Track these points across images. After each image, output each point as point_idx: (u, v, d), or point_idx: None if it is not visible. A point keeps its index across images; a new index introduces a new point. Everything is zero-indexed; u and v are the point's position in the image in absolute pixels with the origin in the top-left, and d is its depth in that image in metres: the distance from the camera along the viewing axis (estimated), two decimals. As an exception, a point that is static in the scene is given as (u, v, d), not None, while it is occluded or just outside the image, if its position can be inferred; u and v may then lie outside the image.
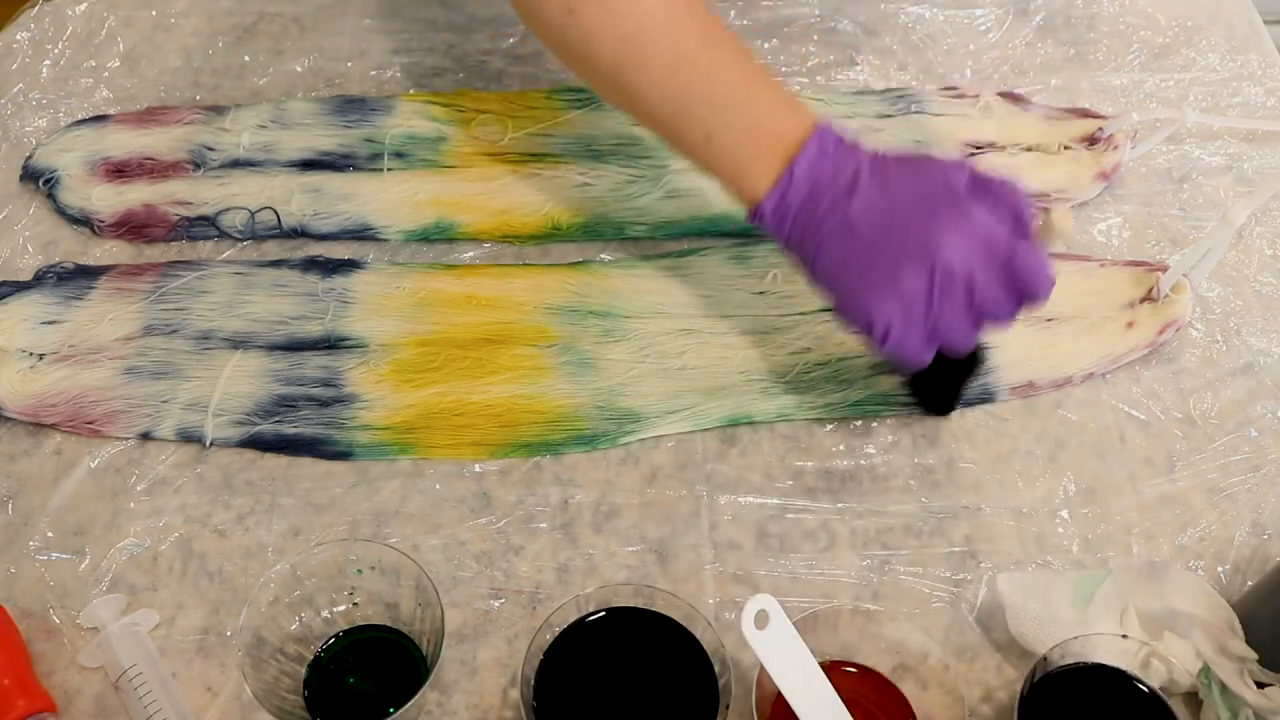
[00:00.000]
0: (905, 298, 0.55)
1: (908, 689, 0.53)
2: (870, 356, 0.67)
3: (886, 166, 0.57)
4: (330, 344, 0.68)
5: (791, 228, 0.59)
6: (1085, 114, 0.79)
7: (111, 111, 0.79)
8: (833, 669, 0.52)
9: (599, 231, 0.73)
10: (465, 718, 0.56)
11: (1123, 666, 0.52)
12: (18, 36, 0.84)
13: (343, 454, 0.64)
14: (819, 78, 0.82)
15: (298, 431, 0.64)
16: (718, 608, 0.59)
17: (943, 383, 0.64)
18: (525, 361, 0.67)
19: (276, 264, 0.72)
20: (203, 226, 0.73)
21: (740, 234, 0.73)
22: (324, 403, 0.65)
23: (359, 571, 0.55)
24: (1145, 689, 0.52)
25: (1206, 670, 0.54)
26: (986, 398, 0.66)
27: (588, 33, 0.61)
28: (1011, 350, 0.67)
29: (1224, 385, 0.68)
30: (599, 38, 0.61)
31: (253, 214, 0.74)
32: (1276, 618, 0.54)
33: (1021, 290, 0.55)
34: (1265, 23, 0.87)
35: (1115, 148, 0.76)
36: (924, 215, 0.55)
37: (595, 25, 0.61)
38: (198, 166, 0.76)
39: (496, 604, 0.59)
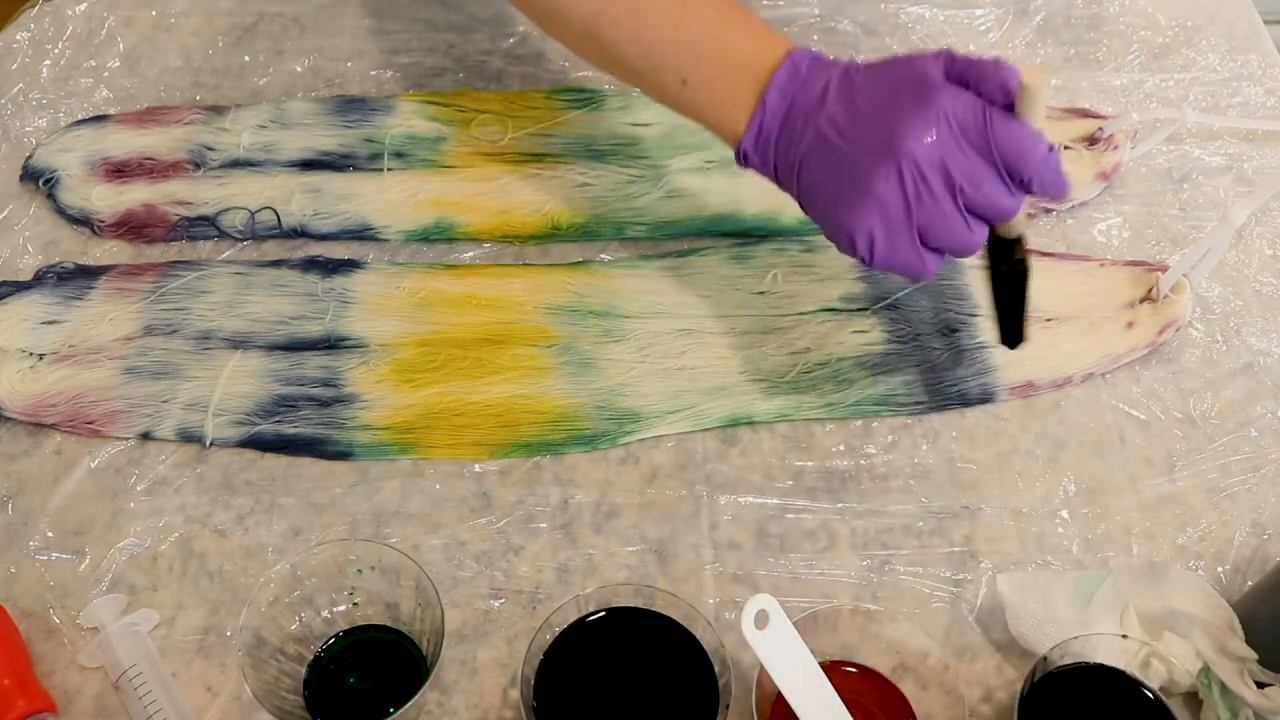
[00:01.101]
0: (881, 203, 0.52)
1: (908, 689, 0.53)
2: (868, 357, 0.67)
3: (857, 73, 0.54)
4: (330, 344, 0.68)
5: (775, 159, 0.56)
6: (1085, 114, 0.79)
7: (111, 111, 0.79)
8: (833, 669, 0.52)
9: (599, 231, 0.73)
10: (465, 718, 0.56)
11: (1123, 667, 0.52)
12: (18, 36, 0.84)
13: (343, 454, 0.64)
14: (819, 78, 0.82)
15: (298, 431, 0.64)
16: (718, 608, 0.59)
17: (1000, 306, 0.61)
18: (525, 361, 0.67)
19: (276, 264, 0.72)
20: (203, 226, 0.73)
21: (740, 234, 0.73)
22: (324, 403, 0.65)
23: (359, 571, 0.55)
24: (1145, 689, 0.52)
25: (1206, 670, 0.54)
26: (986, 398, 0.66)
27: None
28: (1012, 350, 0.67)
29: (1224, 385, 0.68)
30: None
31: (253, 214, 0.74)
32: (1276, 618, 0.54)
33: (1011, 167, 0.51)
34: (1265, 23, 0.87)
35: (1115, 148, 0.76)
36: (889, 112, 0.52)
37: None
38: (198, 166, 0.76)
39: (496, 604, 0.59)
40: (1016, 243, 0.57)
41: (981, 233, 0.53)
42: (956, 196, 0.51)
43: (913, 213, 0.52)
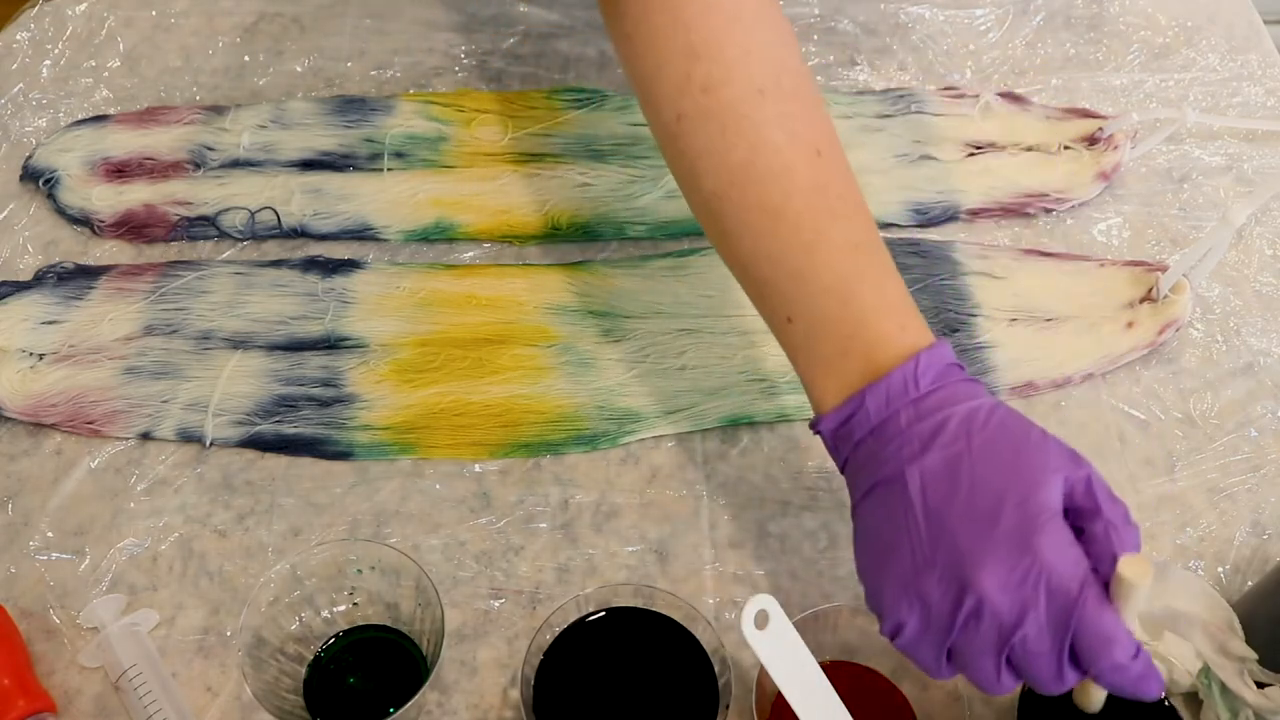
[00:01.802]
0: (925, 608, 0.44)
1: (908, 689, 0.53)
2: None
3: (980, 432, 0.45)
4: (330, 344, 0.68)
5: (848, 461, 0.49)
6: (1085, 114, 0.79)
7: (111, 111, 0.79)
8: (833, 669, 0.52)
9: (599, 231, 0.73)
10: (465, 718, 0.56)
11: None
12: (18, 36, 0.84)
13: (343, 454, 0.64)
14: (819, 78, 0.82)
15: (298, 431, 0.64)
16: (718, 608, 0.59)
17: None
18: (525, 361, 0.67)
19: (276, 264, 0.72)
20: (203, 226, 0.73)
21: (740, 234, 0.73)
22: (324, 403, 0.65)
23: (359, 571, 0.55)
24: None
25: (1206, 670, 0.54)
26: (986, 398, 0.66)
27: (693, 150, 0.53)
28: (1011, 350, 0.67)
29: (1224, 385, 0.68)
30: (703, 158, 0.52)
31: (253, 214, 0.74)
32: (1276, 618, 0.54)
33: (1080, 656, 0.43)
34: (1265, 23, 0.87)
35: (1115, 148, 0.76)
36: (983, 524, 0.43)
37: (702, 143, 0.52)
38: (198, 166, 0.76)
39: (496, 604, 0.59)
40: None
41: (1012, 684, 0.44)
42: (1001, 649, 0.43)
43: (953, 634, 0.44)
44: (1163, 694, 0.45)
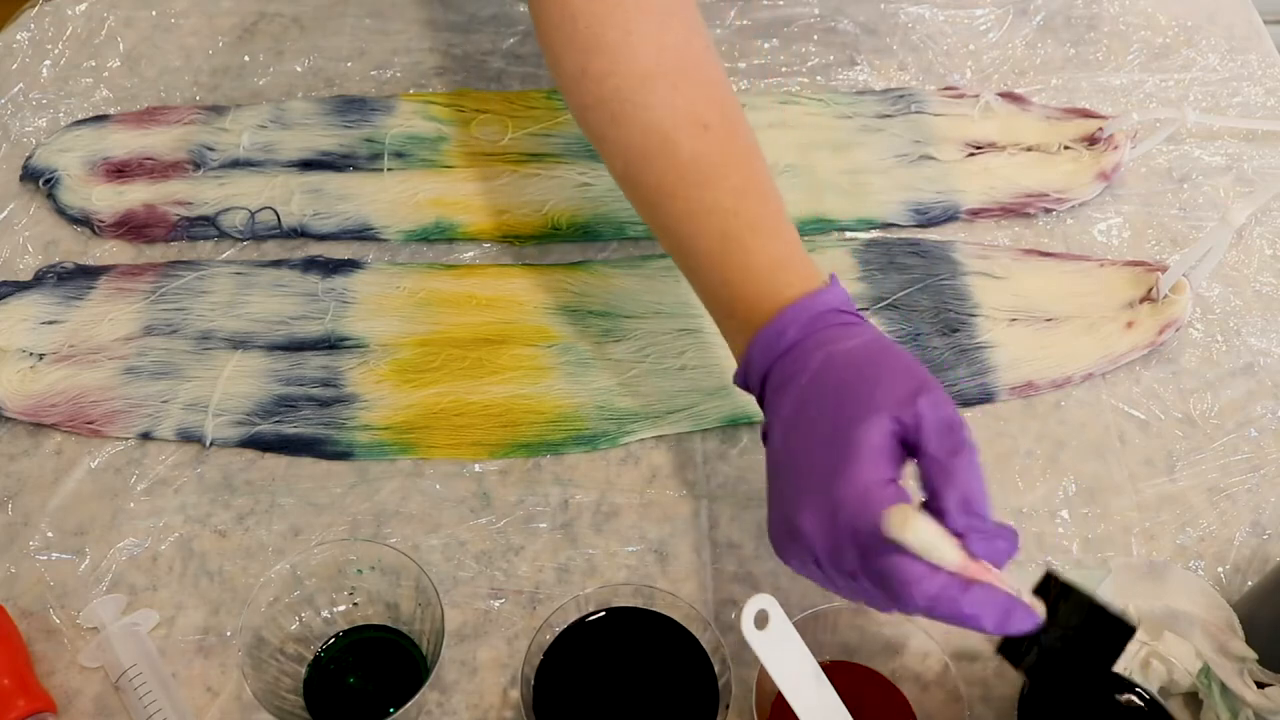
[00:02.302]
0: (796, 546, 0.47)
1: (908, 689, 0.53)
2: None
3: (818, 381, 0.48)
4: (330, 344, 0.68)
5: (764, 410, 0.52)
6: (1085, 114, 0.79)
7: (111, 111, 0.79)
8: (833, 669, 0.52)
9: (599, 231, 0.73)
10: (465, 718, 0.56)
11: (1122, 667, 0.52)
12: (18, 36, 0.84)
13: (343, 454, 0.64)
14: (819, 78, 0.82)
15: (298, 431, 0.64)
16: (718, 608, 0.59)
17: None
18: (525, 361, 0.67)
19: (276, 264, 0.72)
20: (203, 226, 0.73)
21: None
22: (324, 403, 0.65)
23: (359, 571, 0.55)
24: (1143, 690, 0.52)
25: (1206, 670, 0.54)
26: (986, 398, 0.66)
27: (597, 136, 0.57)
28: (1011, 350, 0.67)
29: (1224, 385, 0.68)
30: (605, 143, 0.57)
31: (253, 214, 0.74)
32: (1276, 618, 0.54)
33: (890, 592, 0.43)
34: (1265, 23, 0.87)
35: (1115, 148, 0.76)
36: (806, 468, 0.46)
37: (602, 130, 0.56)
38: (198, 166, 0.76)
39: (496, 604, 0.59)
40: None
41: (881, 607, 0.46)
42: (851, 579, 0.45)
43: (822, 569, 0.46)
44: (1008, 629, 0.43)
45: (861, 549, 0.44)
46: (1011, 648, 0.46)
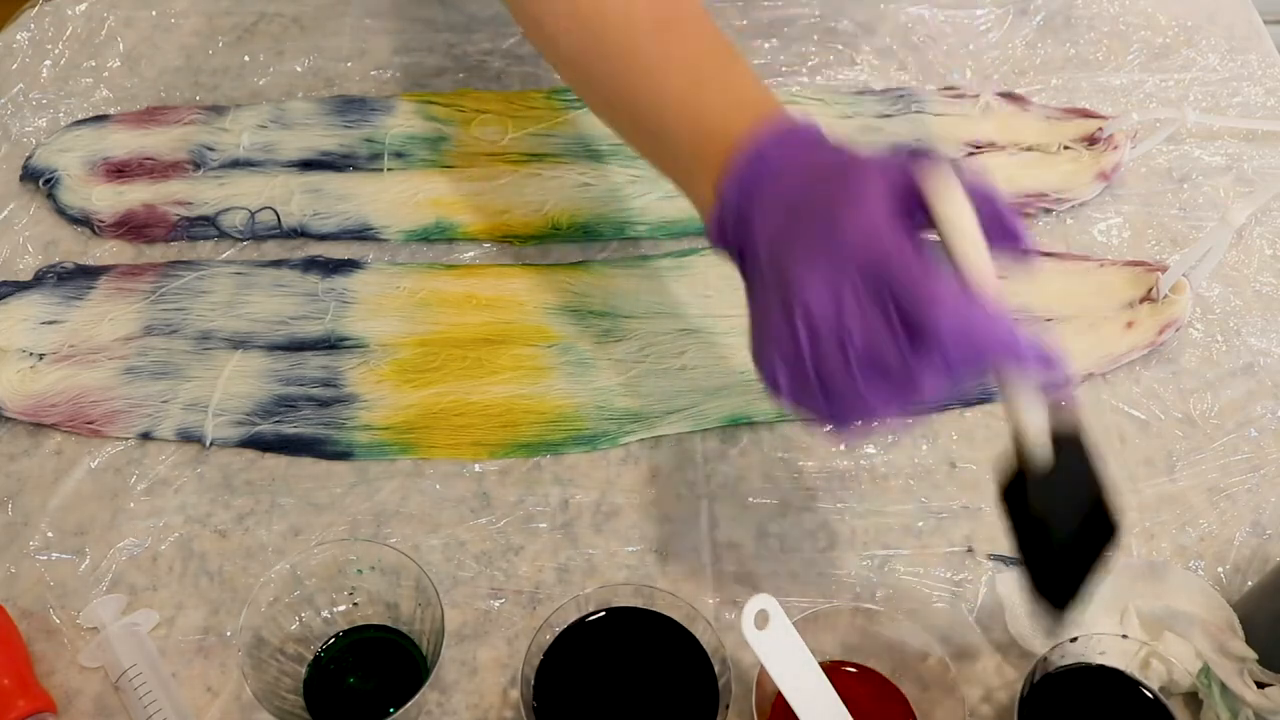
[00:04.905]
0: (781, 347, 0.45)
1: (908, 689, 0.53)
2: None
3: (807, 184, 0.47)
4: (330, 344, 0.68)
5: (739, 256, 0.50)
6: (1085, 114, 0.79)
7: (111, 111, 0.79)
8: (833, 669, 0.52)
9: (599, 231, 0.73)
10: (465, 718, 0.56)
11: (1122, 667, 0.52)
12: (18, 36, 0.84)
13: (343, 454, 0.64)
14: (819, 78, 0.82)
15: (298, 431, 0.64)
16: (718, 608, 0.59)
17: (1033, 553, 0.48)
18: (525, 361, 0.67)
19: (276, 264, 0.72)
20: (203, 226, 0.73)
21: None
22: (324, 403, 0.65)
23: (359, 571, 0.55)
24: (1145, 689, 0.52)
25: (1206, 670, 0.54)
26: (986, 398, 0.66)
27: (555, 31, 0.57)
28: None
29: (1224, 385, 0.68)
30: (556, 18, 0.56)
31: (253, 214, 0.74)
32: (1276, 618, 0.54)
33: (913, 328, 0.41)
34: (1265, 23, 0.87)
35: (1115, 148, 0.76)
36: (801, 251, 0.44)
37: (556, 10, 0.56)
38: (198, 166, 0.76)
39: (496, 604, 0.59)
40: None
41: (885, 397, 0.44)
42: (845, 351, 0.43)
43: (807, 361, 0.44)
44: (1045, 366, 0.40)
45: (874, 284, 0.42)
46: (1015, 492, 0.44)
